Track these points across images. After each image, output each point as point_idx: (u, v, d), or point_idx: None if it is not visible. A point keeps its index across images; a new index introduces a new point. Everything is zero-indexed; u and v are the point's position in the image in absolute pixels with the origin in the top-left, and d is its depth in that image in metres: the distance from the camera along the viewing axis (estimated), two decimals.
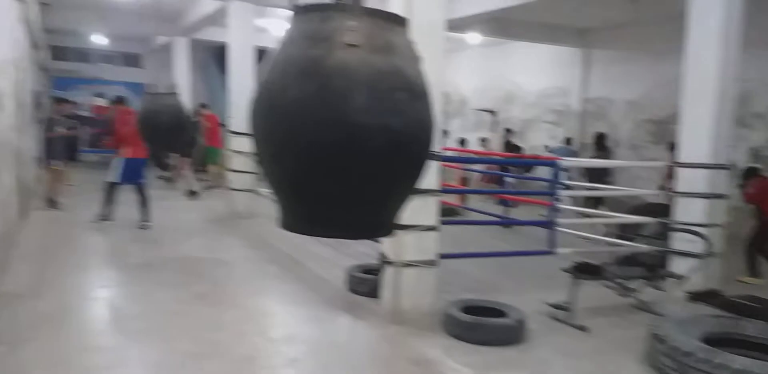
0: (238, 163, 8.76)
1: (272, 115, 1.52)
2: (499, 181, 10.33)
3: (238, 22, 8.66)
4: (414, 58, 1.61)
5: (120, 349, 3.68)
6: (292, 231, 1.64)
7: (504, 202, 8.87)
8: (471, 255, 5.49)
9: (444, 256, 4.43)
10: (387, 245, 4.24)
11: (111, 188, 7.33)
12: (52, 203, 8.34)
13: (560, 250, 5.10)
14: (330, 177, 1.49)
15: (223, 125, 11.38)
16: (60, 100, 9.42)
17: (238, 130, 8.64)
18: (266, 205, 9.18)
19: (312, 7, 1.55)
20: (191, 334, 3.93)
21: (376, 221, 1.67)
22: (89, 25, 13.06)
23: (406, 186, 1.68)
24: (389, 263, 4.22)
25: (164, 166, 12.27)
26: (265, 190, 9.22)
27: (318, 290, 5.10)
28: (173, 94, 7.03)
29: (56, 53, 15.06)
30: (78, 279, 5.24)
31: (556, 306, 4.50)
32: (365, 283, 4.79)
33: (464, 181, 10.35)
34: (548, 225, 5.25)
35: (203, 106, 11.53)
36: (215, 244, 7.04)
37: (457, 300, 4.30)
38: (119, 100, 8.61)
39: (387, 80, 1.48)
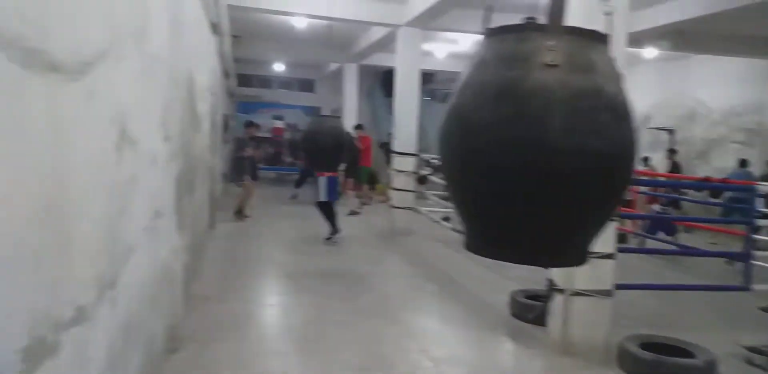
0: (399, 181, 9.01)
1: (465, 138, 1.50)
2: (674, 204, 9.40)
3: (406, 47, 8.96)
4: (616, 77, 1.51)
5: (291, 356, 3.87)
6: (478, 254, 1.60)
7: (666, 228, 8.01)
8: (650, 286, 5.03)
9: (619, 286, 4.11)
10: (557, 271, 4.03)
11: (324, 206, 7.78)
12: (241, 216, 9.14)
13: (757, 287, 4.49)
14: (526, 200, 1.44)
15: (386, 145, 11.74)
16: (250, 124, 10.44)
17: (401, 150, 8.89)
18: (425, 223, 9.37)
19: (508, 28, 1.52)
20: (356, 346, 4.04)
21: (570, 248, 1.58)
22: (271, 54, 14.38)
23: (604, 211, 1.57)
24: (559, 290, 4.00)
25: None
26: (425, 209, 9.37)
27: (479, 312, 5.00)
28: (336, 117, 7.43)
29: (241, 80, 16.71)
30: (256, 286, 5.68)
31: (754, 350, 3.95)
32: (530, 309, 4.59)
33: (632, 203, 9.58)
34: (743, 257, 4.66)
35: (358, 127, 11.89)
36: (376, 259, 7.26)
37: (633, 334, 3.96)
38: None
39: (588, 100, 1.41)
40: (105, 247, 1.79)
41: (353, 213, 10.43)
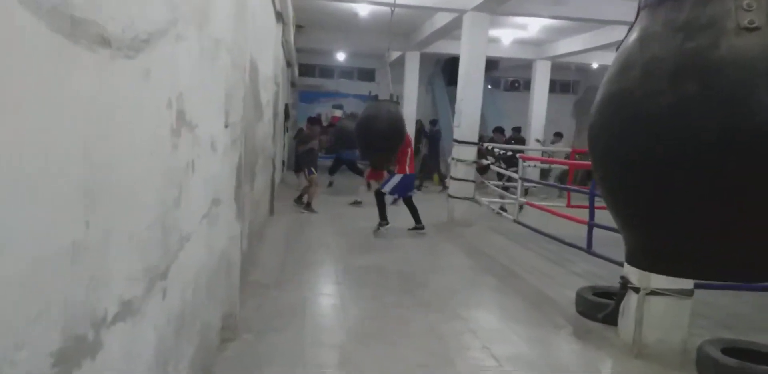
0: (459, 171, 8.80)
1: (633, 130, 1.28)
2: None
3: (473, 33, 8.65)
4: None
5: (348, 349, 3.76)
6: (653, 271, 1.38)
7: None
8: (735, 286, 4.63)
9: (699, 286, 3.81)
10: (631, 268, 3.77)
11: (380, 196, 7.72)
12: (308, 207, 9.09)
13: None
14: (720, 202, 1.20)
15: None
16: (314, 120, 10.52)
17: (463, 139, 8.67)
18: (483, 214, 9.13)
19: None
20: (414, 341, 3.91)
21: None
22: (333, 44, 14.34)
23: None
24: (633, 289, 3.74)
25: (360, 172, 12.77)
26: (485, 199, 9.12)
27: (542, 309, 4.79)
28: (395, 102, 7.24)
29: (303, 69, 16.78)
30: (313, 275, 5.65)
31: None
32: (600, 308, 4.33)
33: None
34: None
35: None
36: (434, 250, 7.14)
37: (714, 338, 3.67)
38: None
39: None
40: (157, 236, 1.72)
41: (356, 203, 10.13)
